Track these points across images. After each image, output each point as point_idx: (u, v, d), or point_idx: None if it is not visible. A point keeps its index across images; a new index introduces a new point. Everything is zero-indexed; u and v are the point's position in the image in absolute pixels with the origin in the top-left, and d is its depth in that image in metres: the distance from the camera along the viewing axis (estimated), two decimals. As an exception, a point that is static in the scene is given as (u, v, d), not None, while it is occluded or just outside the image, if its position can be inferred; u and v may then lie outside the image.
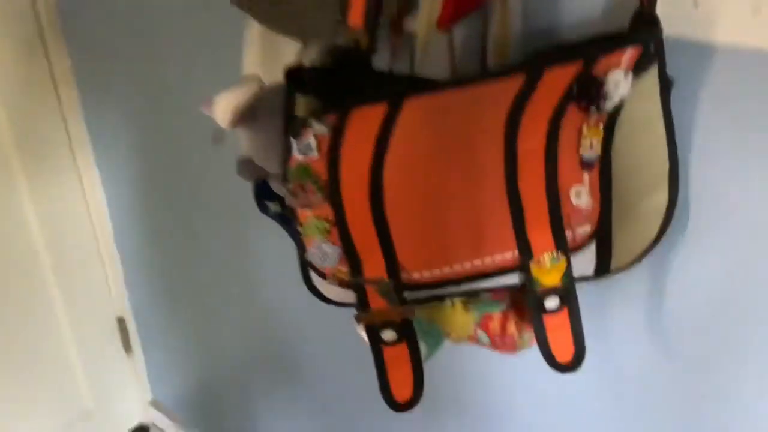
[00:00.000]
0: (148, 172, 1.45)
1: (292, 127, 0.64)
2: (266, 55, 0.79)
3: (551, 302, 0.72)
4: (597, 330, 0.75)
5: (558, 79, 0.61)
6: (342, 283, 0.71)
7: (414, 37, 0.75)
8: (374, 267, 0.70)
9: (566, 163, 0.66)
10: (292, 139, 0.64)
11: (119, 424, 1.89)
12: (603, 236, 0.70)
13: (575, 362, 0.74)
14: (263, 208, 0.81)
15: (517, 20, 0.73)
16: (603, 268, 0.72)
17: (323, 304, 0.76)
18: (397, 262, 0.70)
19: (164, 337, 1.72)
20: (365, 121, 0.63)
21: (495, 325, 0.87)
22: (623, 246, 0.71)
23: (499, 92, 0.62)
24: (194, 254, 1.47)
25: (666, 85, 0.65)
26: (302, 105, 0.67)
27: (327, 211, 0.68)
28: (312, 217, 0.68)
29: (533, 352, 0.81)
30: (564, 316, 0.73)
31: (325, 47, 0.66)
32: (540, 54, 0.64)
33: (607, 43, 0.60)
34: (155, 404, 1.89)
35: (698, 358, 0.78)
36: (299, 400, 1.46)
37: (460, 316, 0.79)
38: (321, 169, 0.66)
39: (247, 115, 0.68)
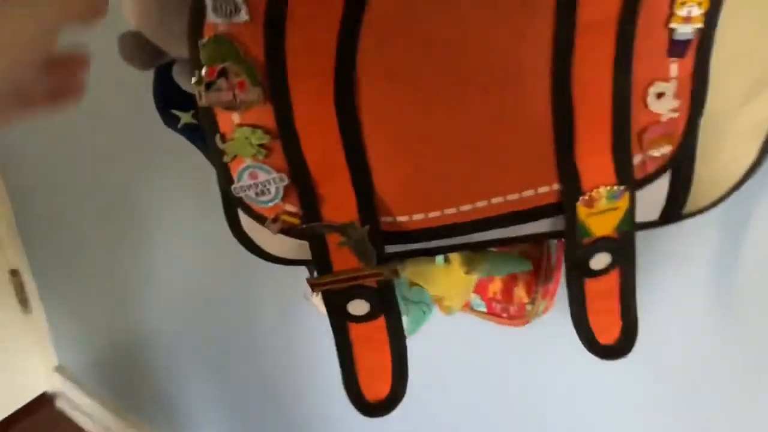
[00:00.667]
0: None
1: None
2: None
3: (600, 260, 0.48)
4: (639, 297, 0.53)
5: None
6: (290, 231, 0.46)
7: None
8: (340, 206, 0.45)
9: (647, 45, 0.42)
10: (205, -9, 0.38)
11: (20, 393, 1.61)
12: (683, 162, 0.47)
13: (623, 346, 0.52)
14: (169, 120, 0.55)
15: None
16: (674, 209, 0.49)
17: (248, 256, 0.51)
18: (375, 200, 0.45)
19: (69, 296, 1.44)
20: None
21: (496, 287, 0.64)
22: (706, 177, 0.48)
23: None
24: (95, 203, 1.19)
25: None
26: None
27: (266, 115, 0.42)
28: (242, 126, 0.43)
29: (550, 324, 0.59)
30: (614, 281, 0.50)
31: None
32: None
33: None
34: (61, 370, 1.61)
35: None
36: (217, 369, 1.22)
37: (459, 278, 0.56)
38: (255, 43, 0.40)
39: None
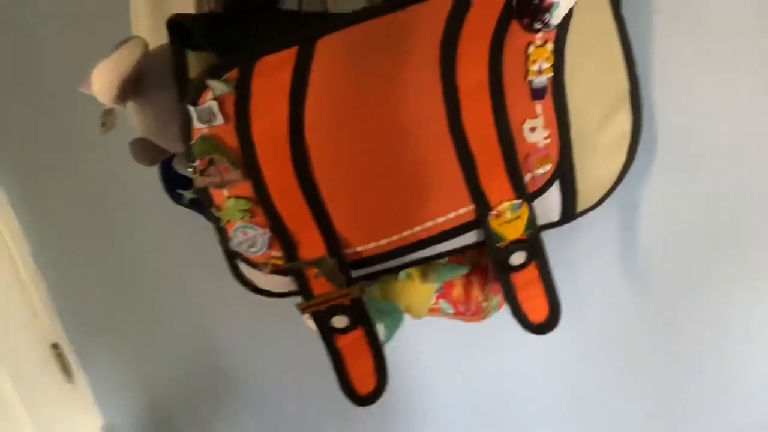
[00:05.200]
0: (63, 186, 1.30)
1: (188, 91, 0.53)
2: (156, 10, 0.67)
3: (517, 258, 0.63)
4: (564, 280, 0.66)
5: (493, -7, 0.51)
6: (278, 270, 0.61)
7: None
8: (312, 246, 0.60)
9: (515, 95, 0.57)
10: (189, 107, 0.53)
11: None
12: (565, 174, 0.61)
13: (551, 321, 0.66)
14: (176, 198, 0.70)
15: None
16: (569, 210, 0.63)
17: (265, 303, 0.65)
18: (337, 237, 0.60)
19: (108, 359, 1.58)
20: (274, 71, 0.52)
21: (458, 291, 0.78)
22: (588, 182, 0.62)
23: (428, 18, 0.52)
24: (124, 267, 1.34)
25: (613, -11, 0.57)
26: (196, 63, 0.56)
27: (246, 188, 0.57)
28: (230, 198, 0.58)
29: (499, 316, 0.73)
30: (533, 272, 0.64)
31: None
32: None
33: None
34: (108, 428, 1.75)
35: (677, 294, 0.71)
36: (251, 413, 1.35)
37: (418, 288, 0.70)
38: (231, 138, 0.55)
39: (132, 86, 0.56)
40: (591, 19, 0.56)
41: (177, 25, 0.54)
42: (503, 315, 0.69)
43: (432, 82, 0.55)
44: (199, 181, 0.57)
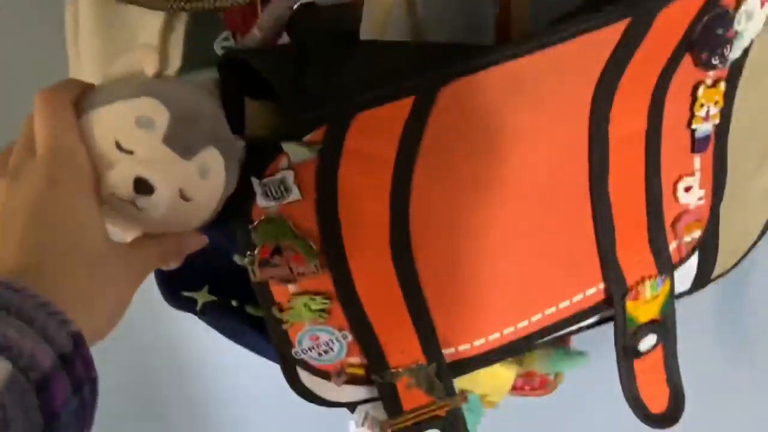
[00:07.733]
0: None
1: (253, 159, 0.37)
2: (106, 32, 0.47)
3: (647, 342, 0.50)
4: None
5: (673, 21, 0.38)
6: (356, 381, 0.46)
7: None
8: (404, 350, 0.45)
9: (672, 147, 0.44)
10: (254, 180, 0.37)
11: None
12: (709, 239, 0.49)
13: (673, 412, 0.54)
14: (182, 304, 0.50)
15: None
16: (703, 278, 0.52)
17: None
18: (437, 338, 0.45)
19: None
20: (377, 130, 0.37)
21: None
22: (729, 242, 0.51)
23: (586, 52, 0.38)
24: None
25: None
26: (257, 117, 0.40)
27: (323, 282, 0.42)
28: (298, 295, 0.42)
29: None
30: (658, 356, 0.52)
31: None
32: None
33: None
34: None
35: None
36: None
37: (501, 373, 0.56)
38: (307, 218, 0.39)
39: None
40: (756, 46, 0.44)
41: (231, 63, 0.37)
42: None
43: (577, 135, 0.41)
44: (259, 275, 0.41)
